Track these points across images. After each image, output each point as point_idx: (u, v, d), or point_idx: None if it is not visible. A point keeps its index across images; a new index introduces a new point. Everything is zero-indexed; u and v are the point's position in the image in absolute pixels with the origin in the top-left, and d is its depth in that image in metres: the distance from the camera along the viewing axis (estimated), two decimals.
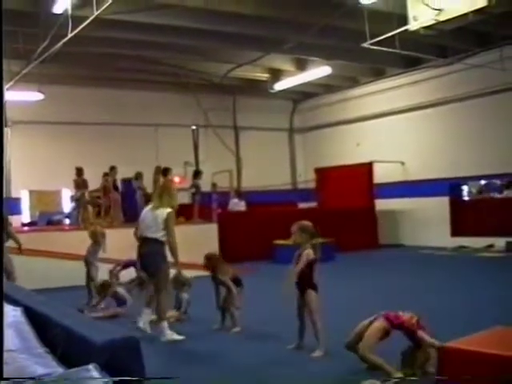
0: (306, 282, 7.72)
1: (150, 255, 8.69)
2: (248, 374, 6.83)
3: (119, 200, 18.58)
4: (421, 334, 6.31)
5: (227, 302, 9.22)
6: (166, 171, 18.76)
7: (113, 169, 18.50)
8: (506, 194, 20.95)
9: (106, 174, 18.48)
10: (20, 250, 12.18)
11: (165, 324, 8.62)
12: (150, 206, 9.07)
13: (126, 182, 19.76)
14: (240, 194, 22.70)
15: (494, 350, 5.08)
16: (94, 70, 20.86)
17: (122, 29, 16.04)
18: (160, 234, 8.60)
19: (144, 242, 8.84)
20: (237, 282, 9.38)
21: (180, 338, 8.55)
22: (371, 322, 6.44)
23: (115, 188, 18.57)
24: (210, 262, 9.38)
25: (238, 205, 21.77)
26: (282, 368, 6.99)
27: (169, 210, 8.71)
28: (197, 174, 19.04)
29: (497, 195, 21.62)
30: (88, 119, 21.81)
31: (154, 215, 8.75)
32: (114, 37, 16.87)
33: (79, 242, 15.21)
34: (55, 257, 14.43)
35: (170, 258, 8.78)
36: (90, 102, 21.91)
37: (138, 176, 18.82)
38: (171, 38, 17.41)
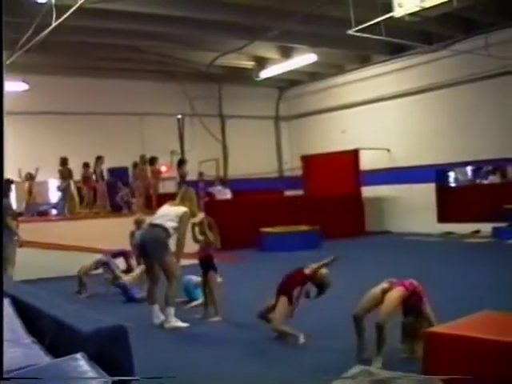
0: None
1: (153, 242, 8.75)
2: (231, 366, 6.86)
3: (105, 190, 18.59)
4: (425, 301, 6.36)
5: (209, 286, 9.25)
6: (152, 160, 18.77)
7: (99, 158, 18.46)
8: (491, 179, 21.05)
9: (85, 165, 18.45)
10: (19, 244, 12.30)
11: (171, 311, 8.65)
12: (168, 203, 9.28)
13: (113, 171, 19.76)
14: (224, 182, 22.70)
15: (480, 334, 5.09)
16: (79, 59, 20.74)
17: (106, 18, 15.96)
18: (168, 224, 8.72)
19: (151, 227, 9.00)
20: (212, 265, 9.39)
21: (184, 325, 8.61)
22: (384, 290, 6.36)
23: (102, 178, 18.57)
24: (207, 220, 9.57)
25: (222, 192, 21.75)
26: (271, 358, 7.01)
27: (187, 209, 8.88)
28: (181, 163, 19.04)
29: (483, 181, 21.73)
30: (73, 109, 21.70)
31: (171, 209, 8.99)
32: (98, 26, 16.78)
33: (66, 232, 15.27)
34: (43, 247, 14.40)
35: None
36: (76, 92, 21.80)
37: (136, 166, 18.96)
38: (156, 27, 17.34)
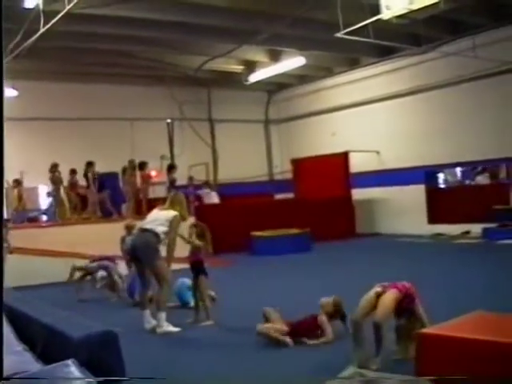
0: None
1: (143, 246, 8.74)
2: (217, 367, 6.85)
3: (97, 195, 18.57)
4: (417, 302, 6.37)
5: (200, 290, 9.24)
6: (142, 165, 18.75)
7: (90, 164, 18.43)
8: (481, 180, 21.13)
9: (72, 171, 18.44)
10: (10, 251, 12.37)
11: (163, 315, 8.63)
12: (158, 208, 9.30)
13: (102, 176, 19.72)
14: (210, 185, 22.69)
15: (472, 334, 5.11)
16: (67, 64, 20.68)
17: (94, 23, 15.93)
18: (159, 229, 8.70)
19: (141, 232, 9.00)
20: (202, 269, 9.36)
21: (176, 329, 8.59)
22: (378, 294, 6.32)
23: (94, 183, 18.53)
24: (199, 227, 9.59)
25: (209, 195, 21.75)
26: (263, 360, 7.00)
27: (176, 213, 8.87)
28: (171, 168, 19.05)
29: (472, 182, 21.82)
30: (63, 115, 21.64)
31: (161, 213, 8.99)
32: (86, 31, 16.74)
33: (56, 238, 15.21)
34: (33, 253, 14.35)
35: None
36: (65, 98, 21.74)
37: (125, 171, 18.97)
38: (144, 32, 17.32)
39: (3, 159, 2.73)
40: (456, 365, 4.93)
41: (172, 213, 8.83)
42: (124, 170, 18.95)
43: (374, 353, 6.12)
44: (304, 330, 7.48)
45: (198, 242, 9.25)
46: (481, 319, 5.76)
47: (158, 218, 8.83)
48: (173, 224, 8.75)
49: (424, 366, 5.17)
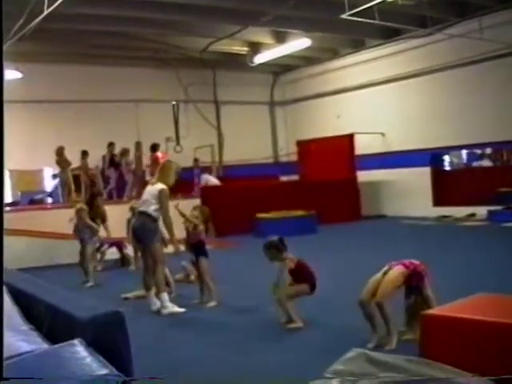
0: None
1: (140, 228, 8.79)
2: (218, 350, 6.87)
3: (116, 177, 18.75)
4: (426, 282, 6.37)
5: (200, 271, 9.27)
6: (155, 147, 18.87)
7: (111, 145, 18.61)
8: (486, 163, 21.10)
9: (84, 153, 18.46)
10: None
11: (165, 296, 8.65)
12: (150, 183, 9.31)
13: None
14: (210, 170, 22.71)
15: (476, 315, 5.11)
16: (72, 46, 20.66)
17: (98, 4, 15.91)
18: (151, 208, 8.65)
19: (138, 215, 9.01)
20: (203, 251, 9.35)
21: (181, 310, 8.59)
22: (385, 273, 6.33)
23: (113, 164, 18.71)
24: (204, 214, 9.49)
25: (210, 179, 21.67)
26: (265, 341, 7.02)
27: (162, 186, 8.76)
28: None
29: (478, 165, 21.79)
30: (67, 97, 21.59)
31: (150, 190, 8.91)
32: (91, 13, 16.71)
33: (60, 220, 15.21)
34: (38, 236, 14.36)
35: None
36: (69, 80, 21.70)
37: (124, 152, 18.97)
38: (149, 13, 17.29)
39: (3, 158, 2.73)
40: (459, 346, 4.94)
41: (157, 187, 8.74)
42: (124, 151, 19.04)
43: (387, 333, 6.18)
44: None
45: (195, 221, 9.21)
46: (484, 300, 5.76)
47: (147, 198, 8.78)
48: (161, 199, 8.64)
49: (427, 347, 5.18)
